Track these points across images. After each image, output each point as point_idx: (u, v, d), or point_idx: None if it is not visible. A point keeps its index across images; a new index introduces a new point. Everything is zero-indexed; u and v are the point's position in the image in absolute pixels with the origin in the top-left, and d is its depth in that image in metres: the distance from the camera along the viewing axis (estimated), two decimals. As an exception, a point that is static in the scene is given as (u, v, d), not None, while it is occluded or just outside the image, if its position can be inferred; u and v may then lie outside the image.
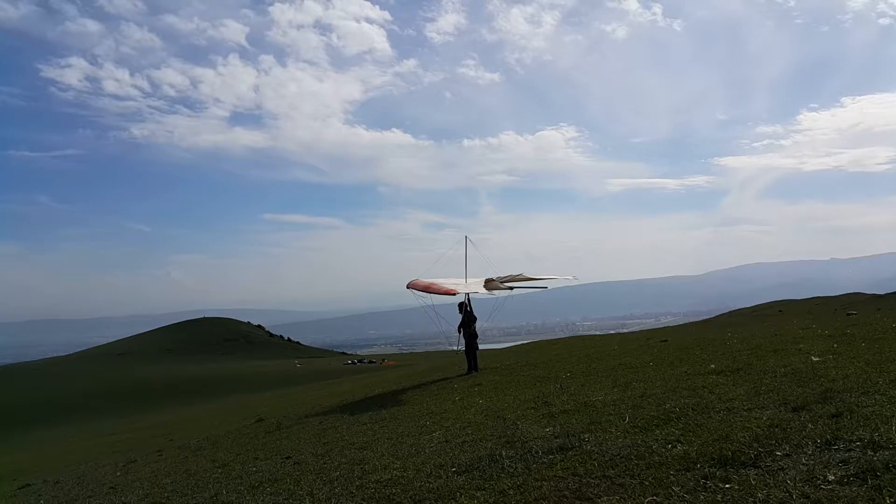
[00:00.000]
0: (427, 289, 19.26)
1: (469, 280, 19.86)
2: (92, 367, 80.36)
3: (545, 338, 57.92)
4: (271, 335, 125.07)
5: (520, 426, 7.84)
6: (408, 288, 18.32)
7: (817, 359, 9.27)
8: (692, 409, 7.02)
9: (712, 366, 10.49)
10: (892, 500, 3.81)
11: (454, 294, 19.57)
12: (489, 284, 20.28)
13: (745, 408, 6.66)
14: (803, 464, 4.60)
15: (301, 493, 6.57)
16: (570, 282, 25.52)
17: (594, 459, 5.59)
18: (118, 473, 12.79)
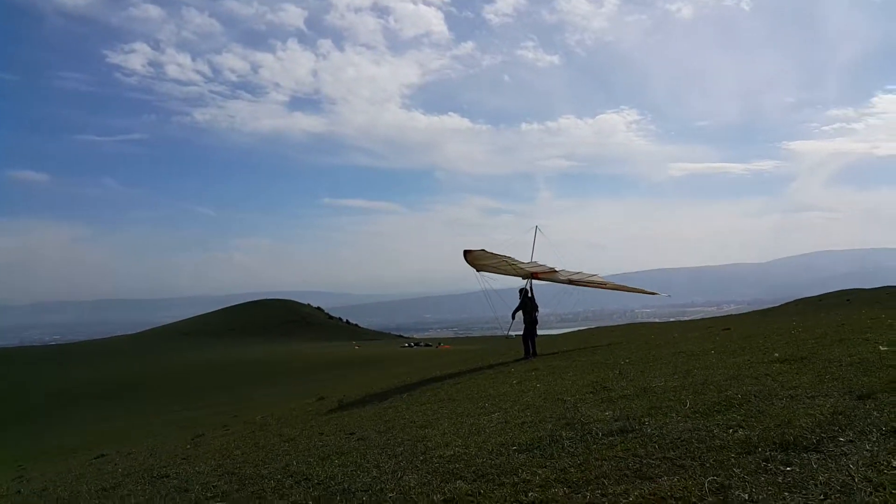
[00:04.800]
0: (494, 267, 19.33)
1: (534, 268, 19.96)
2: (157, 347, 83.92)
3: (603, 325, 57.35)
4: (330, 317, 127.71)
5: (579, 409, 7.97)
6: (465, 256, 18.30)
7: (885, 348, 9.03)
8: (754, 395, 7.00)
9: (776, 354, 10.33)
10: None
11: (523, 275, 19.67)
12: (551, 275, 20.36)
13: (809, 395, 6.60)
14: (867, 450, 4.59)
15: (368, 465, 6.89)
16: (665, 299, 25.51)
17: (654, 442, 5.68)
18: (188, 446, 13.46)
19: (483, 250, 17.90)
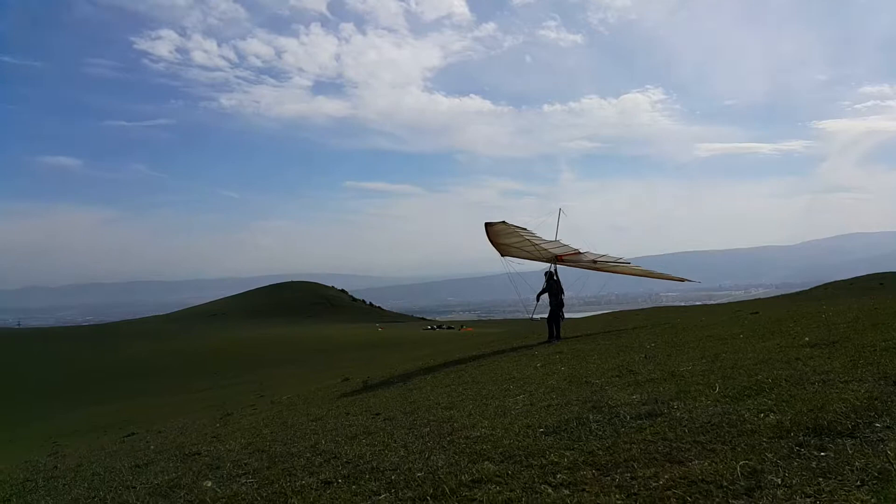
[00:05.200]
0: (518, 248, 19.17)
1: (558, 249, 19.83)
2: (186, 327, 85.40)
3: (627, 308, 56.96)
4: (354, 299, 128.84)
5: (606, 392, 7.92)
6: (486, 229, 18.01)
7: (923, 334, 8.83)
8: (785, 380, 6.89)
9: (807, 338, 10.15)
10: None
11: (548, 259, 19.52)
12: (576, 257, 20.19)
13: (842, 380, 6.48)
14: (905, 436, 4.50)
15: (395, 444, 6.94)
16: (691, 283, 24.75)
17: (684, 426, 5.63)
18: (217, 424, 13.70)
19: (504, 222, 17.78)
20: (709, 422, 5.64)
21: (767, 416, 5.53)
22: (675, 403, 6.56)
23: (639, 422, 6.05)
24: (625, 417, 6.28)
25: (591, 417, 6.49)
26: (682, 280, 23.33)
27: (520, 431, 6.46)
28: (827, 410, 5.32)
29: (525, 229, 18.44)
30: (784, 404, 5.83)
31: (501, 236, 18.51)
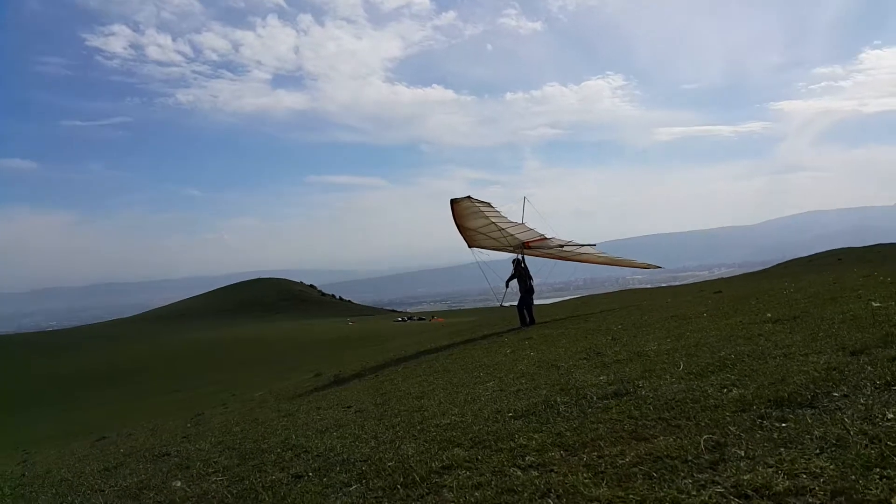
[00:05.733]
0: (485, 235, 19.13)
1: (524, 234, 19.90)
2: (153, 330, 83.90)
3: (595, 293, 57.64)
4: (323, 294, 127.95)
5: (573, 375, 8.00)
6: (452, 206, 17.71)
7: (878, 304, 9.10)
8: (748, 355, 7.05)
9: (768, 315, 10.40)
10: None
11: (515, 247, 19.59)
12: (542, 243, 20.30)
13: (802, 353, 6.65)
14: (861, 403, 4.62)
15: (366, 436, 6.91)
16: (654, 270, 24.79)
17: (649, 404, 5.71)
18: (188, 425, 13.52)
19: (469, 197, 17.60)
20: (673, 398, 5.73)
21: (730, 390, 5.64)
22: (640, 382, 6.65)
23: (605, 402, 6.12)
24: (592, 398, 6.34)
25: (559, 400, 6.55)
26: (646, 266, 23.58)
27: (489, 417, 6.49)
28: (788, 383, 5.45)
29: (489, 205, 18.37)
30: (746, 379, 5.95)
31: (468, 218, 18.45)
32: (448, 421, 6.73)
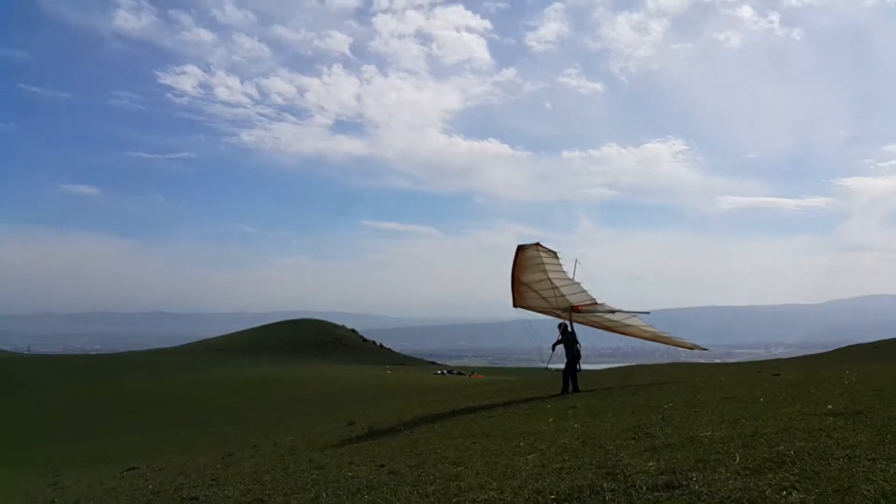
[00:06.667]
0: (536, 294, 18.85)
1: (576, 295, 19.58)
2: (194, 361, 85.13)
3: (644, 362, 56.05)
4: (364, 340, 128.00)
5: (621, 457, 7.58)
6: (517, 253, 17.61)
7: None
8: (808, 453, 6.54)
9: (829, 406, 9.74)
10: None
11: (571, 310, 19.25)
12: (592, 307, 19.90)
13: (869, 457, 6.12)
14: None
15: (398, 503, 6.65)
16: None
17: (703, 500, 5.32)
18: (218, 466, 13.41)
19: (538, 245, 17.55)
20: (729, 497, 5.33)
21: (790, 493, 5.22)
22: (693, 474, 6.23)
23: (655, 494, 5.73)
24: (641, 488, 5.96)
25: (605, 486, 6.18)
26: (693, 348, 22.57)
27: (529, 497, 6.17)
28: (854, 493, 4.99)
29: (556, 255, 18.16)
30: (807, 482, 5.50)
31: (527, 270, 18.21)
32: (486, 496, 6.41)
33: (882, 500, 4.78)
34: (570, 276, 19.27)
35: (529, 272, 18.37)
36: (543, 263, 18.14)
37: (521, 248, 17.58)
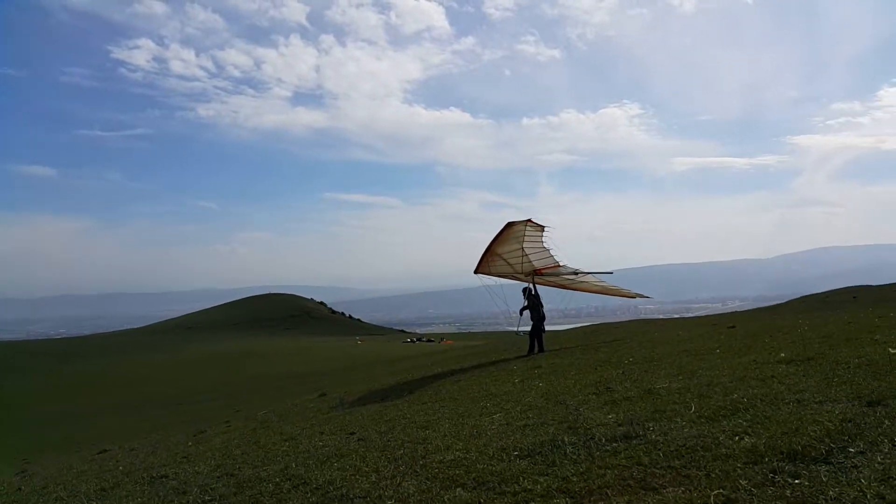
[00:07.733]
0: (506, 262, 18.92)
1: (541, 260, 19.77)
2: (162, 341, 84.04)
3: (606, 321, 57.16)
4: (333, 312, 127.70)
5: (582, 412, 7.83)
6: (505, 228, 17.39)
7: (895, 350, 8.87)
8: (760, 399, 6.86)
9: (782, 354, 10.18)
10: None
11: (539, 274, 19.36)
12: (555, 270, 20.16)
13: (817, 400, 6.46)
14: (878, 462, 4.45)
15: (367, 469, 6.77)
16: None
17: (659, 449, 5.55)
18: (189, 443, 13.38)
19: (529, 221, 17.22)
20: (684, 445, 5.57)
21: (742, 438, 5.48)
22: (650, 424, 6.49)
23: (614, 444, 5.96)
24: (600, 440, 6.19)
25: (566, 440, 6.39)
26: (635, 296, 23.27)
27: (494, 454, 6.35)
28: (801, 434, 5.27)
29: (543, 228, 18.00)
30: (759, 426, 5.78)
31: (507, 243, 18.08)
32: (452, 457, 6.58)
33: (827, 439, 5.06)
34: (544, 245, 19.33)
35: (507, 244, 18.27)
36: (524, 237, 17.99)
37: (508, 225, 17.32)
